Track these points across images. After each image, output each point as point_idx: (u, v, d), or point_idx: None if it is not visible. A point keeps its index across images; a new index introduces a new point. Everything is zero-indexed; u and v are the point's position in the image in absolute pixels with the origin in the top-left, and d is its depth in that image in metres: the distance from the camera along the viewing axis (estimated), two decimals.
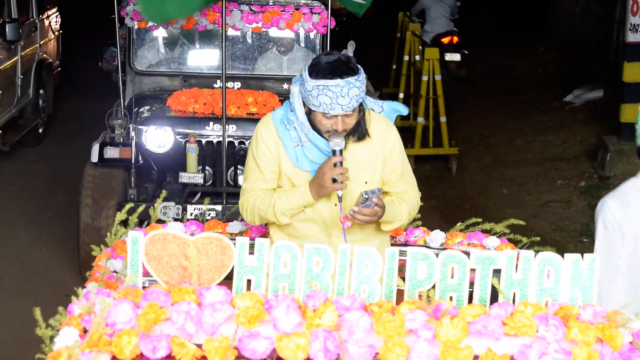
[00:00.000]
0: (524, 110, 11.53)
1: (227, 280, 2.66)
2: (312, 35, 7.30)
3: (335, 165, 3.26)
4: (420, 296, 2.63)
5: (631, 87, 8.71)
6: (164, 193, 3.74)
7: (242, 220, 3.80)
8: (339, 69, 3.20)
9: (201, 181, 6.36)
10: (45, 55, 10.94)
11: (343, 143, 3.28)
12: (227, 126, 6.42)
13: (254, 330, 2.44)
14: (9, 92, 9.53)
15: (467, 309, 2.53)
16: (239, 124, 6.51)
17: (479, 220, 4.00)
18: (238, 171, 6.47)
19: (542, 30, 14.87)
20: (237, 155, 6.48)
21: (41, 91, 10.71)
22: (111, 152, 6.51)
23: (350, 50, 7.02)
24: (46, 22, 11.13)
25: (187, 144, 6.38)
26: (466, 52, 12.07)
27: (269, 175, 3.43)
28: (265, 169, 3.43)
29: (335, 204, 3.36)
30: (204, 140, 6.56)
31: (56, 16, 11.66)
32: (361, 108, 3.37)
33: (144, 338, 2.43)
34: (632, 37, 8.57)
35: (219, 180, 6.53)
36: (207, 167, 6.57)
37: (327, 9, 6.86)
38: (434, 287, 2.67)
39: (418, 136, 9.79)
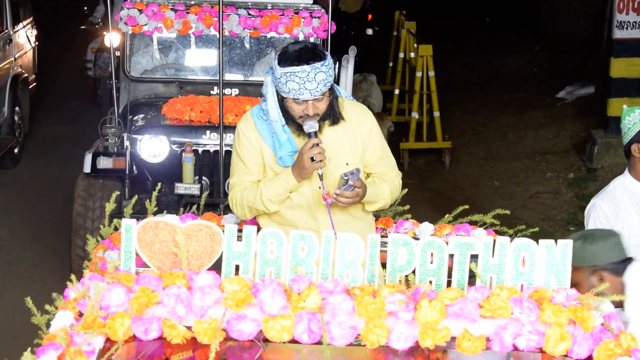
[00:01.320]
0: (517, 106, 11.64)
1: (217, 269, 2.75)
2: (312, 39, 6.84)
3: (312, 147, 3.38)
4: (400, 280, 2.70)
5: (617, 82, 8.94)
6: (150, 206, 3.66)
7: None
8: (305, 56, 3.33)
9: (198, 192, 6.05)
10: (20, 70, 9.99)
11: (316, 125, 3.41)
12: (224, 135, 6.11)
13: (241, 313, 2.51)
14: None
15: (445, 292, 2.60)
16: None
17: (466, 207, 4.09)
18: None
19: (538, 28, 14.99)
20: None
21: (16, 108, 9.70)
22: (104, 163, 6.28)
23: (351, 54, 6.94)
24: (21, 34, 10.23)
25: (183, 154, 6.14)
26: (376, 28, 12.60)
27: (253, 167, 3.55)
28: (249, 162, 3.55)
29: (319, 187, 3.47)
30: (200, 150, 6.33)
31: (32, 26, 10.79)
32: (332, 93, 3.49)
33: (136, 320, 2.50)
34: (618, 34, 8.80)
35: (216, 191, 6.27)
36: (203, 178, 6.34)
37: (327, 13, 6.68)
38: (414, 272, 2.73)
39: (412, 130, 9.92)
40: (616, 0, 8.76)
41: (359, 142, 3.59)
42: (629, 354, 2.57)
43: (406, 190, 3.95)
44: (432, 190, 9.15)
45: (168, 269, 2.68)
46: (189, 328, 2.51)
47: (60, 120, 11.08)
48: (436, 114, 9.85)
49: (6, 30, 9.59)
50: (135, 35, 7.04)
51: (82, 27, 11.21)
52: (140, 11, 6.83)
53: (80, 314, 2.58)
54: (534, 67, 13.43)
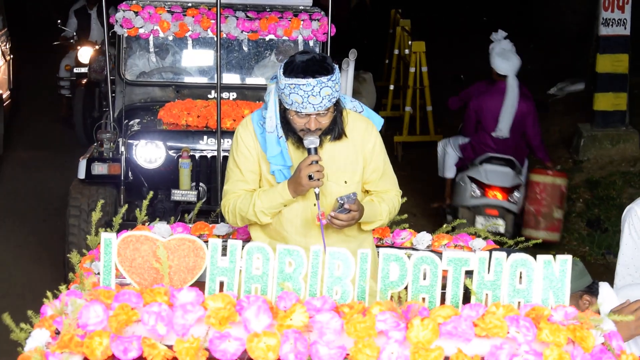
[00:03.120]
0: None
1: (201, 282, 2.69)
2: (311, 42, 6.87)
3: (311, 163, 3.30)
4: (392, 297, 2.64)
5: (603, 77, 9.29)
6: (140, 215, 3.59)
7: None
8: (311, 68, 3.22)
9: (195, 198, 5.97)
10: None
11: (317, 141, 3.32)
12: (222, 140, 5.95)
13: (224, 332, 2.45)
14: None
15: (438, 310, 2.54)
16: None
17: (464, 221, 4.07)
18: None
19: (532, 27, 15.26)
20: None
21: None
22: (99, 169, 6.16)
23: (352, 58, 6.79)
24: None
25: (179, 159, 6.04)
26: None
27: (249, 175, 3.47)
28: (245, 170, 3.47)
29: (314, 204, 3.39)
30: (197, 155, 6.23)
31: (6, 38, 10.12)
32: (337, 108, 3.39)
33: (115, 339, 2.44)
34: (603, 31, 9.14)
35: (213, 198, 6.14)
36: (201, 184, 6.25)
37: (327, 15, 6.54)
38: (406, 288, 2.67)
39: (406, 124, 10.22)
40: None
41: (360, 159, 3.51)
42: None
43: (405, 215, 3.91)
44: (424, 181, 9.31)
45: (149, 285, 2.62)
46: (170, 347, 2.45)
47: (35, 142, 10.56)
48: (429, 108, 10.13)
49: None
50: (130, 39, 6.90)
51: (56, 42, 10.75)
52: (136, 13, 6.72)
53: (57, 332, 2.52)
54: (528, 65, 13.60)
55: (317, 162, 3.32)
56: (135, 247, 2.63)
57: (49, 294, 2.63)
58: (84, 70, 9.81)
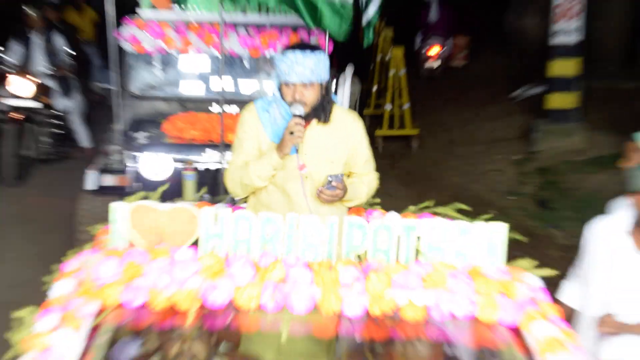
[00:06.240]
0: (477, 103, 12.02)
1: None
2: None
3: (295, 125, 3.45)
4: (355, 257, 2.77)
5: (554, 80, 9.58)
6: None
7: (228, 203, 3.93)
8: (301, 46, 3.44)
9: None
10: None
11: (302, 108, 3.47)
12: (224, 153, 5.64)
13: (215, 283, 2.58)
14: None
15: (392, 267, 2.68)
16: None
17: (430, 204, 4.15)
18: (237, 200, 5.94)
19: (503, 36, 15.29)
20: None
21: None
22: (107, 180, 5.83)
23: (349, 72, 6.74)
24: None
25: (184, 172, 5.57)
26: None
27: (250, 150, 3.62)
28: (247, 146, 3.62)
29: (305, 179, 3.55)
30: (201, 168, 5.85)
31: None
32: (326, 94, 3.57)
33: (125, 289, 2.58)
34: (555, 40, 9.47)
35: None
36: (205, 195, 5.78)
37: (324, 31, 6.23)
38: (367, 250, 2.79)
39: (386, 120, 10.28)
40: (553, 12, 9.42)
41: (348, 146, 3.67)
42: (549, 320, 2.65)
43: (379, 200, 3.99)
44: (401, 168, 9.48)
45: (153, 246, 2.74)
46: (171, 296, 2.58)
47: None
48: (406, 106, 10.15)
49: None
50: (135, 53, 6.54)
51: None
52: (141, 29, 6.46)
53: (78, 284, 2.65)
54: (496, 70, 13.76)
55: (299, 124, 3.45)
56: (143, 215, 2.75)
57: (68, 254, 2.78)
58: (17, 103, 8.14)
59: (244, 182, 3.59)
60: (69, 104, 8.73)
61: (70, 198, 6.99)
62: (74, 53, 8.51)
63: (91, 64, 9.19)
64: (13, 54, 8.61)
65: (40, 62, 8.60)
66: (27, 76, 8.28)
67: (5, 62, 8.46)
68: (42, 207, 7.74)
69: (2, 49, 8.47)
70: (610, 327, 3.54)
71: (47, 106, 8.46)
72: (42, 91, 8.36)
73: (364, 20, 5.47)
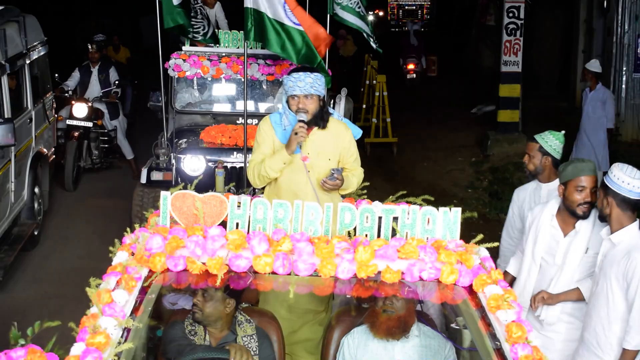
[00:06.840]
0: (445, 118, 12.11)
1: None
2: None
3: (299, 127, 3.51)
4: (346, 233, 2.75)
5: (504, 99, 9.84)
6: None
7: (248, 194, 3.93)
8: (302, 69, 3.54)
9: None
10: (40, 147, 6.67)
11: (305, 116, 3.51)
12: (247, 155, 5.63)
13: (238, 253, 2.57)
14: (1, 204, 5.60)
15: (375, 241, 2.66)
16: None
17: (404, 192, 4.10)
18: (257, 190, 5.79)
19: (466, 63, 15.52)
20: None
21: (36, 189, 6.53)
22: (156, 175, 5.99)
23: (343, 95, 6.73)
24: (41, 110, 6.90)
25: (215, 169, 5.70)
26: None
27: (266, 150, 3.67)
28: (263, 147, 3.67)
29: (309, 172, 3.58)
30: (229, 166, 5.94)
31: (51, 100, 7.45)
32: (324, 106, 3.60)
33: (169, 258, 2.57)
34: (504, 68, 9.74)
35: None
36: (232, 187, 5.86)
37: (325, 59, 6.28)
38: (355, 228, 2.77)
39: (372, 130, 10.26)
40: (503, 46, 9.68)
41: (340, 148, 3.70)
42: (496, 283, 2.66)
43: (368, 183, 3.96)
44: (385, 168, 9.51)
45: (191, 224, 2.72)
46: (204, 263, 2.57)
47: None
48: (388, 119, 10.17)
49: (26, 108, 6.41)
50: (179, 79, 6.71)
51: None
52: (184, 60, 6.65)
53: (132, 254, 2.65)
54: (458, 92, 13.98)
55: (302, 126, 3.50)
56: (182, 200, 2.73)
57: (128, 229, 2.77)
58: (76, 123, 8.13)
59: (261, 174, 3.62)
60: (115, 124, 8.75)
61: (120, 199, 7.38)
62: (120, 83, 8.57)
63: (127, 93, 9.28)
64: (72, 81, 8.59)
65: (96, 90, 8.62)
66: (86, 102, 8.33)
67: (66, 88, 8.44)
68: (99, 205, 7.79)
69: (58, 77, 8.34)
70: (541, 301, 3.54)
71: (98, 125, 8.51)
72: (95, 113, 8.41)
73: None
